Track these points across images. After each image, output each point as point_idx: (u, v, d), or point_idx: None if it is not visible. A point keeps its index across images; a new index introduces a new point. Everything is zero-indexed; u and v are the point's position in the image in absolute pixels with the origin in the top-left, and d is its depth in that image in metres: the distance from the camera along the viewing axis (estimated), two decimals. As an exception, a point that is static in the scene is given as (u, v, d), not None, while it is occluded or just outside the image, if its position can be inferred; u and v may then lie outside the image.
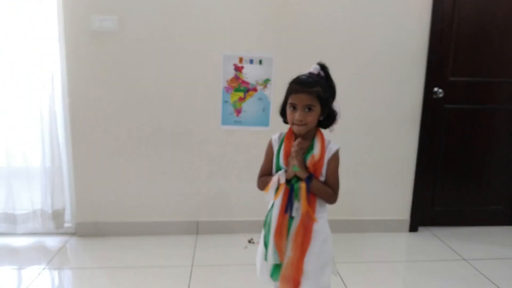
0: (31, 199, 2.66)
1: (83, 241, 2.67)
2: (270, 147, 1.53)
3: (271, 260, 1.46)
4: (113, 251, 2.54)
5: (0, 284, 2.17)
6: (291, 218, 1.43)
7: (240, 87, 2.59)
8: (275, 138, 1.52)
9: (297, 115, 1.39)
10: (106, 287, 2.15)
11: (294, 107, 1.40)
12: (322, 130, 1.50)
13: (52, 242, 2.65)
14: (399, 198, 2.88)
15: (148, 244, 2.63)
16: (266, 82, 2.60)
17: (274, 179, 1.43)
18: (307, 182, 1.40)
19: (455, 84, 2.79)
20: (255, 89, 2.59)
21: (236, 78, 2.57)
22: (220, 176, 2.71)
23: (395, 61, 2.67)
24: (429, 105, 2.74)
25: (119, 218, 2.72)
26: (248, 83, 2.58)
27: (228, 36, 2.56)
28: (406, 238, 2.85)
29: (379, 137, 2.78)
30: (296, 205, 1.43)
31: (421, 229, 2.95)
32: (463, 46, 2.75)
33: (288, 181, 1.43)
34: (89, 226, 2.71)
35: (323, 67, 1.46)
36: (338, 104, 1.50)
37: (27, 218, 2.68)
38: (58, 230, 2.70)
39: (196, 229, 2.78)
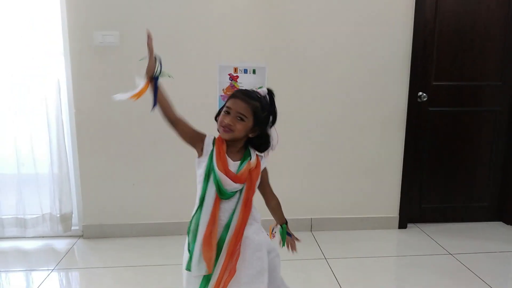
0: (40, 204, 2.79)
1: (90, 243, 2.80)
2: (201, 138, 1.48)
3: (196, 271, 1.39)
4: (119, 251, 2.66)
5: (12, 286, 2.29)
6: (226, 228, 1.40)
7: (235, 95, 2.73)
8: (208, 142, 1.47)
9: (227, 119, 1.39)
10: (112, 286, 2.26)
11: (228, 112, 1.40)
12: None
13: (61, 244, 2.78)
14: (388, 197, 3.01)
15: (151, 245, 2.75)
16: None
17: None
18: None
19: (438, 88, 2.93)
20: (249, 97, 2.74)
21: (232, 86, 2.72)
22: (218, 179, 2.85)
23: (381, 67, 2.81)
24: (414, 108, 2.88)
25: (123, 220, 2.85)
26: (243, 91, 2.73)
27: (223, 48, 2.69)
28: (395, 235, 2.97)
29: (367, 139, 2.91)
30: (229, 208, 1.42)
31: (410, 225, 3.09)
32: (445, 52, 2.89)
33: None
34: (95, 228, 2.85)
35: (270, 92, 1.48)
36: (276, 132, 1.51)
37: (36, 222, 2.81)
38: (66, 233, 2.83)
39: (197, 229, 2.92)
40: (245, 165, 1.42)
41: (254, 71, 2.71)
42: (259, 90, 1.46)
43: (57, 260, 2.54)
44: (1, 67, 2.62)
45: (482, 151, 3.07)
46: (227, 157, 1.43)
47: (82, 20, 2.60)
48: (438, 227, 3.06)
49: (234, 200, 1.43)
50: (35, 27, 2.57)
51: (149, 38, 1.46)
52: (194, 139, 1.49)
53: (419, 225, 3.11)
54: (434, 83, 2.92)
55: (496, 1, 2.85)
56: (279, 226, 1.58)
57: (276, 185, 3.03)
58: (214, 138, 1.47)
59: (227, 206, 1.43)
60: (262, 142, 1.47)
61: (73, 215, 2.85)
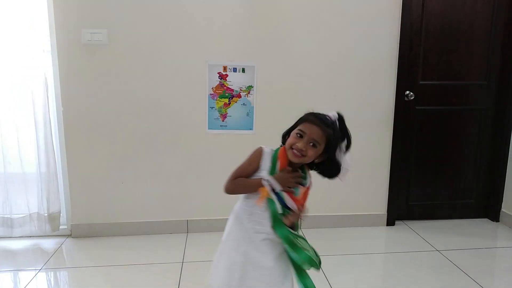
0: (27, 203, 2.76)
1: (78, 242, 2.78)
2: (258, 157, 1.43)
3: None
4: (108, 250, 2.65)
5: (-1, 286, 2.28)
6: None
7: (225, 94, 2.74)
8: (267, 152, 1.44)
9: (301, 144, 1.34)
10: (101, 285, 2.25)
11: (301, 135, 1.36)
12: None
13: (49, 244, 2.75)
14: (376, 194, 3.05)
15: (140, 243, 2.74)
16: (249, 88, 2.76)
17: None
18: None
19: (425, 87, 2.98)
20: (239, 95, 2.75)
21: (221, 85, 2.73)
22: (208, 177, 2.84)
23: (369, 67, 2.84)
24: (401, 107, 2.91)
25: (112, 219, 2.84)
26: (232, 90, 2.74)
27: (213, 46, 2.70)
28: (383, 232, 3.01)
29: (355, 138, 2.89)
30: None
31: (397, 223, 3.12)
32: (432, 52, 2.93)
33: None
34: (84, 227, 2.83)
35: (340, 117, 1.42)
36: (349, 159, 1.44)
37: (23, 222, 2.78)
38: (54, 232, 2.80)
39: (186, 227, 2.92)
40: (301, 189, 1.41)
41: (243, 70, 2.72)
42: (330, 115, 1.41)
43: (44, 259, 2.52)
44: (-14, 65, 2.59)
45: (468, 149, 3.12)
46: None
47: (70, 18, 2.58)
48: (425, 224, 3.11)
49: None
50: (22, 24, 2.55)
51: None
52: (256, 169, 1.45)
53: (406, 222, 3.15)
54: (421, 82, 2.96)
55: (481, 2, 2.91)
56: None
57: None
58: (271, 151, 1.44)
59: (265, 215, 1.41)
60: (327, 169, 1.43)
61: (61, 214, 2.83)
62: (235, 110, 2.77)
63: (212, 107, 2.75)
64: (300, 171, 1.42)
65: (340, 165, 1.41)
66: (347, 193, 3.02)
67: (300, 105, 2.81)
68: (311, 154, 1.35)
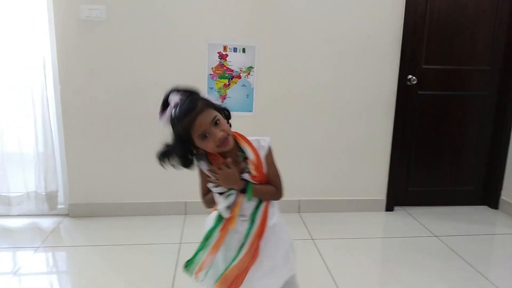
0: (25, 182, 2.76)
1: (76, 222, 2.78)
2: (200, 171, 1.40)
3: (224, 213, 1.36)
4: (105, 230, 2.65)
5: (-3, 263, 2.27)
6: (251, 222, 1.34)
7: (224, 74, 2.70)
8: (198, 164, 1.38)
9: (219, 133, 1.24)
10: (98, 264, 2.25)
11: (205, 135, 1.25)
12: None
13: (46, 222, 2.76)
14: (376, 180, 3.04)
15: (138, 224, 2.75)
16: (249, 69, 2.72)
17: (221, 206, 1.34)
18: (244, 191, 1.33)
19: (428, 72, 2.93)
20: (239, 76, 2.72)
21: (221, 65, 2.69)
22: (206, 159, 2.84)
23: (371, 50, 2.80)
24: (403, 91, 2.88)
25: (110, 199, 2.83)
26: (232, 71, 2.70)
27: (213, 25, 2.66)
28: (382, 217, 3.00)
29: (356, 122, 2.92)
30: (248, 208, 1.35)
31: (396, 208, 3.12)
32: (436, 36, 2.88)
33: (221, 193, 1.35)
34: (81, 207, 2.83)
35: (176, 90, 1.32)
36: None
37: (21, 200, 2.78)
38: (52, 211, 2.80)
39: (185, 209, 2.92)
40: (250, 166, 1.32)
41: (244, 50, 2.68)
42: (173, 100, 1.32)
43: (42, 238, 2.53)
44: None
45: (469, 135, 3.09)
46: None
47: (67, -6, 2.54)
48: (425, 210, 3.10)
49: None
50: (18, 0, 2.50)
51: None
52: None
53: (405, 208, 3.15)
54: (423, 67, 2.92)
55: (487, -15, 2.85)
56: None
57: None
58: (202, 157, 1.36)
59: (247, 205, 1.36)
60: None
61: (58, 194, 2.82)
62: (234, 91, 2.73)
63: (212, 88, 2.71)
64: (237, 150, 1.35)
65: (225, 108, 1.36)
66: (347, 178, 3.00)
67: (300, 88, 2.81)
68: (226, 127, 1.28)
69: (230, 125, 1.34)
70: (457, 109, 3.03)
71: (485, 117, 3.07)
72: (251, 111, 2.77)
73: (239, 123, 2.74)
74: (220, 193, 1.35)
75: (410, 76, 2.89)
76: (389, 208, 3.08)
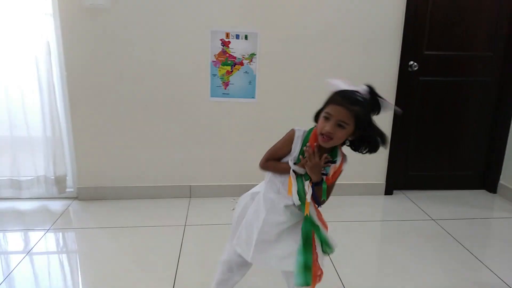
0: (34, 166, 2.84)
1: (84, 205, 2.87)
2: (290, 141, 1.44)
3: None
4: (113, 213, 2.74)
5: (9, 244, 2.37)
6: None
7: (227, 61, 2.74)
8: (298, 135, 1.43)
9: (327, 127, 1.30)
10: (106, 245, 2.34)
11: (327, 118, 1.32)
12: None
13: (56, 205, 2.85)
14: (376, 164, 3.09)
15: (145, 207, 2.83)
16: (251, 56, 2.75)
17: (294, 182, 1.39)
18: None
19: (430, 58, 2.95)
20: (241, 63, 2.75)
21: (224, 52, 2.72)
22: (210, 144, 2.90)
23: (373, 36, 2.81)
24: (405, 77, 2.90)
25: (117, 183, 2.91)
26: (234, 57, 2.74)
27: (216, 13, 2.67)
28: (381, 201, 3.08)
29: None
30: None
31: (396, 192, 3.19)
32: (438, 22, 2.88)
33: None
34: (90, 190, 2.92)
35: (371, 89, 1.34)
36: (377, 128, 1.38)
37: (31, 184, 2.87)
38: (61, 194, 2.90)
39: (189, 192, 3.00)
40: (330, 170, 1.38)
41: (246, 37, 2.71)
42: (358, 89, 1.34)
43: (52, 220, 2.62)
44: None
45: (469, 121, 3.13)
46: None
47: (71, -19, 2.56)
48: (423, 194, 3.17)
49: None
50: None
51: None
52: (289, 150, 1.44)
53: (405, 191, 3.21)
54: (425, 53, 2.93)
55: (490, -29, 2.83)
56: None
57: (260, 150, 3.09)
58: (304, 132, 1.43)
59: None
60: (362, 145, 1.38)
61: (67, 177, 2.91)
62: (237, 78, 2.77)
63: (215, 75, 2.75)
64: (330, 150, 1.40)
65: (376, 136, 1.36)
66: (348, 161, 3.05)
67: (302, 72, 2.84)
68: (340, 136, 1.32)
69: (358, 148, 1.40)
70: (458, 95, 3.05)
71: (485, 103, 3.09)
72: (253, 97, 2.82)
73: (242, 109, 2.82)
74: (295, 174, 1.40)
75: (411, 62, 2.91)
76: (388, 192, 3.15)
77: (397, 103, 2.95)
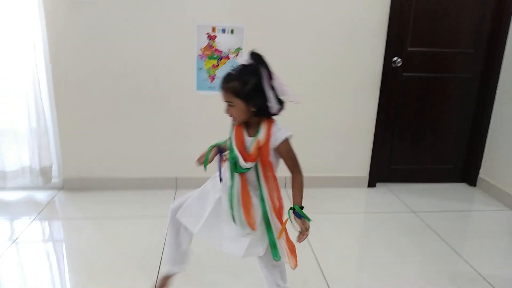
0: (19, 157, 2.84)
1: (70, 195, 2.89)
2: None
3: (242, 230, 1.49)
4: (98, 203, 2.76)
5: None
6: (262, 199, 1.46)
7: (213, 55, 2.75)
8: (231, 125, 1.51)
9: (226, 109, 1.42)
10: (92, 235, 2.37)
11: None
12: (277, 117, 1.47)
13: (41, 196, 2.86)
14: (359, 157, 3.15)
15: (131, 198, 2.86)
16: (237, 50, 2.77)
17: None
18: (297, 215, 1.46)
19: (413, 54, 2.99)
20: (227, 57, 2.77)
21: (210, 46, 2.73)
22: (196, 137, 2.92)
23: (358, 32, 2.85)
24: (388, 73, 2.95)
25: (103, 174, 2.93)
26: (221, 51, 2.75)
27: (202, 7, 2.67)
28: (364, 193, 3.14)
29: (342, 102, 3.00)
30: (253, 182, 1.46)
31: (378, 185, 3.25)
32: (422, 19, 2.92)
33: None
34: (75, 181, 2.93)
35: (252, 55, 1.39)
36: (279, 83, 1.43)
37: (16, 175, 2.87)
38: (46, 185, 2.90)
39: (175, 184, 3.03)
40: (254, 144, 1.41)
41: (232, 31, 2.72)
42: (243, 62, 1.40)
43: (38, 210, 2.64)
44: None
45: (452, 116, 3.19)
46: (245, 133, 1.45)
47: (56, -28, 2.54)
48: (405, 187, 3.24)
49: (253, 173, 1.45)
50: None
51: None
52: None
53: (387, 184, 3.28)
54: (409, 49, 2.98)
55: (473, -32, 2.87)
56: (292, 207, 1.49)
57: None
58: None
59: (251, 180, 1.47)
60: (263, 109, 1.39)
61: (53, 168, 2.91)
62: (223, 72, 2.77)
63: (201, 68, 2.77)
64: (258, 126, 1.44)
65: (271, 98, 1.38)
66: (332, 155, 3.11)
67: (287, 67, 2.87)
68: (236, 113, 1.40)
69: (266, 114, 1.41)
70: (440, 90, 3.11)
71: (467, 99, 3.16)
72: (239, 90, 2.84)
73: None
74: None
75: (395, 58, 2.95)
76: (372, 184, 3.21)
77: (381, 98, 3.00)
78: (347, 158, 3.14)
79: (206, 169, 1.56)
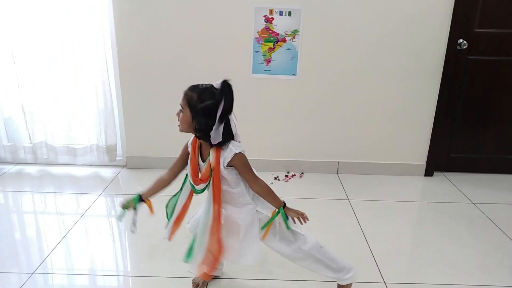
0: (87, 136, 3.06)
1: (132, 172, 3.08)
2: (185, 148, 1.61)
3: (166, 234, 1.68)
4: (158, 181, 2.93)
5: (66, 206, 2.59)
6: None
7: (270, 38, 2.76)
8: (189, 143, 1.59)
9: (176, 112, 1.48)
10: (155, 209, 2.51)
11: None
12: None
13: (107, 172, 3.08)
14: (417, 144, 3.05)
15: (187, 177, 3.00)
16: (294, 33, 2.76)
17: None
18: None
19: (481, 36, 2.81)
20: (284, 40, 2.77)
21: (267, 29, 2.74)
22: (250, 120, 2.96)
23: (419, 11, 2.72)
24: (452, 56, 2.80)
25: (163, 153, 3.06)
26: (277, 34, 2.76)
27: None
28: (420, 182, 3.04)
29: (400, 86, 2.90)
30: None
31: (436, 174, 3.14)
32: (492, -3, 2.73)
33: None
34: (137, 159, 3.11)
35: (223, 83, 1.41)
36: (234, 122, 1.46)
37: (85, 152, 3.10)
38: (111, 162, 3.12)
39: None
40: (205, 167, 1.47)
41: (289, 13, 2.71)
42: (214, 83, 1.43)
43: (104, 186, 2.84)
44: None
45: (519, 103, 2.98)
46: (199, 158, 1.53)
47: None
48: (465, 177, 3.10)
49: (206, 193, 1.54)
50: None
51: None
52: (185, 158, 1.59)
53: (446, 174, 3.15)
54: (476, 30, 2.80)
55: None
56: (277, 211, 1.54)
57: (306, 128, 3.13)
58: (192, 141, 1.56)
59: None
60: (204, 135, 1.42)
61: (117, 147, 3.11)
62: (279, 55, 2.80)
63: (257, 51, 2.80)
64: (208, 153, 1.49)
65: (214, 127, 1.39)
66: (388, 141, 3.04)
67: (346, 51, 2.82)
68: (181, 120, 1.45)
69: (206, 138, 1.44)
70: (509, 75, 2.91)
71: (539, 84, 2.93)
72: (294, 74, 2.84)
73: (283, 86, 2.85)
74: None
75: (461, 40, 2.80)
76: (429, 173, 3.11)
77: (443, 82, 2.87)
78: (404, 144, 3.05)
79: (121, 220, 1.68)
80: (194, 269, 1.67)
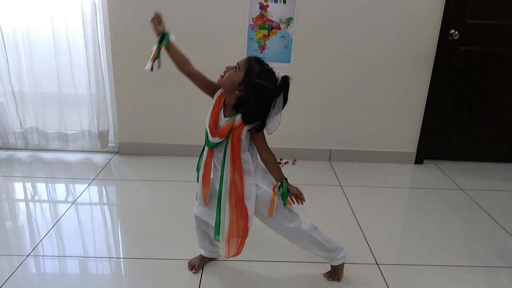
0: (79, 121, 3.03)
1: (125, 159, 3.07)
2: (215, 88, 1.58)
3: (199, 200, 1.67)
4: (150, 167, 2.92)
5: (57, 193, 2.57)
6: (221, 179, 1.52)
7: (264, 25, 2.77)
8: (217, 92, 1.56)
9: (227, 67, 1.47)
10: (144, 196, 2.52)
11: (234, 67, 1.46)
12: None
13: (99, 158, 3.05)
14: (408, 133, 3.09)
15: (180, 163, 2.99)
16: (289, 20, 2.76)
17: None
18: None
19: (472, 27, 2.85)
20: (278, 27, 2.77)
21: (261, 16, 2.75)
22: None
23: (413, 3, 2.75)
24: (444, 46, 2.84)
25: (156, 140, 3.07)
26: (272, 21, 2.76)
27: (255, -25, 2.68)
28: (410, 169, 3.10)
29: (392, 76, 2.93)
30: (220, 158, 1.51)
31: (426, 162, 3.19)
32: (484, -12, 2.76)
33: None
34: (130, 146, 3.10)
35: (284, 78, 1.43)
36: (279, 119, 1.47)
37: (77, 137, 3.08)
38: (103, 148, 3.10)
39: (222, 153, 3.11)
40: (228, 122, 1.44)
41: (284, 1, 2.71)
42: (276, 72, 1.44)
43: (96, 172, 2.82)
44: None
45: (508, 94, 3.04)
46: (222, 111, 1.50)
47: None
48: (454, 165, 3.16)
49: (221, 151, 1.50)
50: None
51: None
52: (211, 90, 1.58)
53: (436, 162, 3.21)
54: (468, 21, 2.84)
55: None
56: (278, 184, 1.54)
57: (299, 116, 3.15)
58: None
59: (219, 155, 1.53)
60: (246, 112, 1.42)
61: (109, 133, 3.09)
62: (273, 42, 2.80)
63: (251, 38, 2.80)
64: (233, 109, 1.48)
65: (263, 115, 1.42)
66: (379, 130, 3.08)
67: (340, 41, 2.84)
68: (228, 76, 1.43)
69: (243, 114, 1.44)
70: (499, 66, 2.96)
71: (528, 75, 2.99)
72: (288, 62, 2.85)
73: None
74: None
75: (452, 31, 2.83)
76: (419, 161, 3.16)
77: (435, 72, 2.91)
78: (395, 133, 3.10)
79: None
80: (226, 250, 1.60)
